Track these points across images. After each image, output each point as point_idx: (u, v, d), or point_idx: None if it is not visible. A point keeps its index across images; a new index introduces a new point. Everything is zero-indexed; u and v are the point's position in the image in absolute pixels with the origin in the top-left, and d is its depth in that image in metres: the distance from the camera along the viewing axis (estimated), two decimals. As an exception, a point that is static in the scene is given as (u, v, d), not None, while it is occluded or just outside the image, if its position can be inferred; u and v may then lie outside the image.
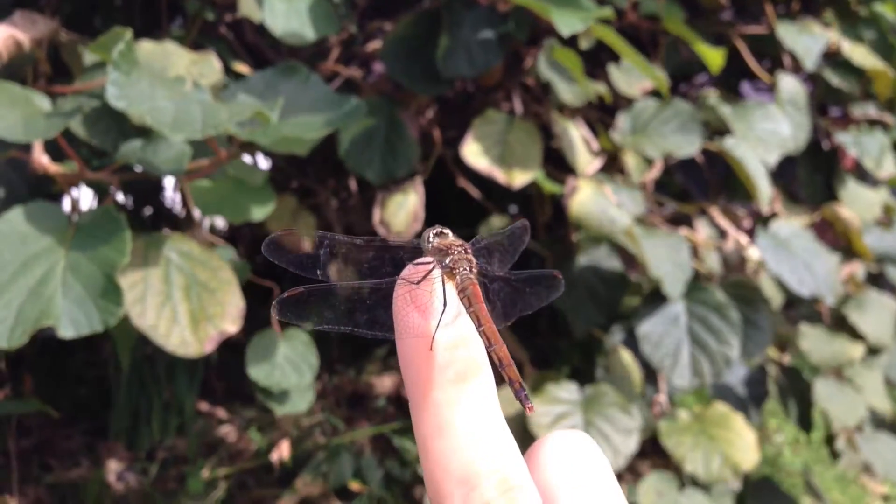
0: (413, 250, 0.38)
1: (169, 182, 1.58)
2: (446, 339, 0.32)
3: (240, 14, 1.11)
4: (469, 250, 0.37)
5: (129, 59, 0.87)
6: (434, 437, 0.30)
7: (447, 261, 0.36)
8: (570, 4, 1.11)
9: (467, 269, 0.36)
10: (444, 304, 0.33)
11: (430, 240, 0.37)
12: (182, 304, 0.97)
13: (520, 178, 1.24)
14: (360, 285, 0.36)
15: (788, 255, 1.35)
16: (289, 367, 1.20)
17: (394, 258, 0.39)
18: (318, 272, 0.38)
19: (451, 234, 0.38)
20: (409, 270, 0.34)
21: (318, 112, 1.05)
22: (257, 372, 1.17)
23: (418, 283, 0.34)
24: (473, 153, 1.25)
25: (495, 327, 0.33)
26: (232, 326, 1.00)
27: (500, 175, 1.24)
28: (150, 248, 0.98)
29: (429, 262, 0.35)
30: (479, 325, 0.33)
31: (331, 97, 1.08)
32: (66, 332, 0.84)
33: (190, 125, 0.84)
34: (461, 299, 0.34)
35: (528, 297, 0.41)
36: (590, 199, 1.23)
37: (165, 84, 0.91)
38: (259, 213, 1.09)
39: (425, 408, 0.31)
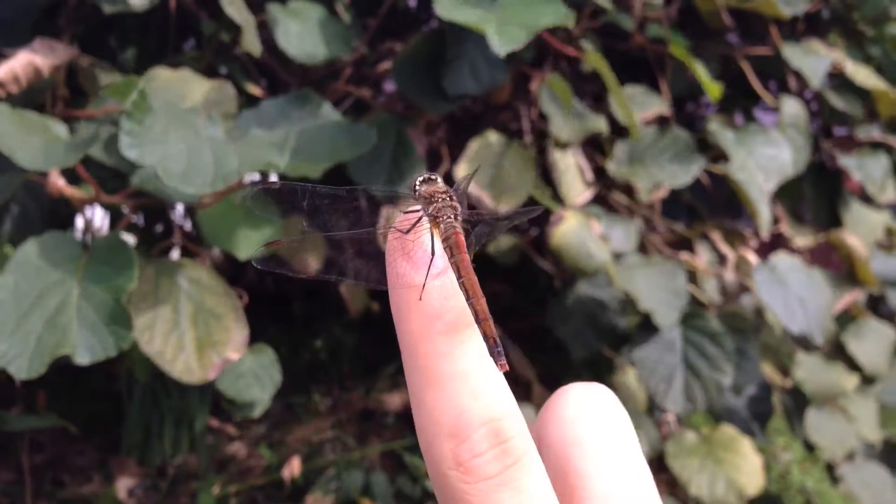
0: (399, 200, 0.38)
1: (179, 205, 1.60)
2: (437, 288, 0.31)
3: (240, 49, 1.13)
4: (454, 196, 0.36)
5: (142, 108, 0.89)
6: (425, 389, 0.30)
7: (430, 209, 0.35)
8: (519, 14, 1.06)
9: (451, 216, 0.35)
10: (433, 254, 0.32)
11: (418, 187, 0.36)
12: (189, 331, 1.00)
13: (507, 206, 1.24)
14: (339, 236, 0.36)
15: (784, 290, 1.35)
16: (253, 379, 1.21)
17: (378, 208, 0.38)
18: (304, 223, 0.37)
19: (439, 179, 0.37)
20: (399, 219, 0.34)
21: (329, 140, 1.06)
22: (223, 380, 1.18)
23: (407, 232, 0.33)
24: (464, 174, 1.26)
25: (476, 279, 0.32)
26: (235, 354, 1.01)
27: (487, 200, 1.24)
28: (162, 275, 1.01)
29: (418, 211, 0.35)
30: (459, 276, 0.32)
31: (341, 125, 1.09)
32: (83, 359, 0.86)
33: (200, 177, 0.86)
34: (444, 248, 0.33)
35: (502, 229, 0.40)
36: (572, 231, 1.24)
37: (179, 120, 0.93)
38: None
39: (416, 359, 0.30)
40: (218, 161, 0.88)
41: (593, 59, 1.19)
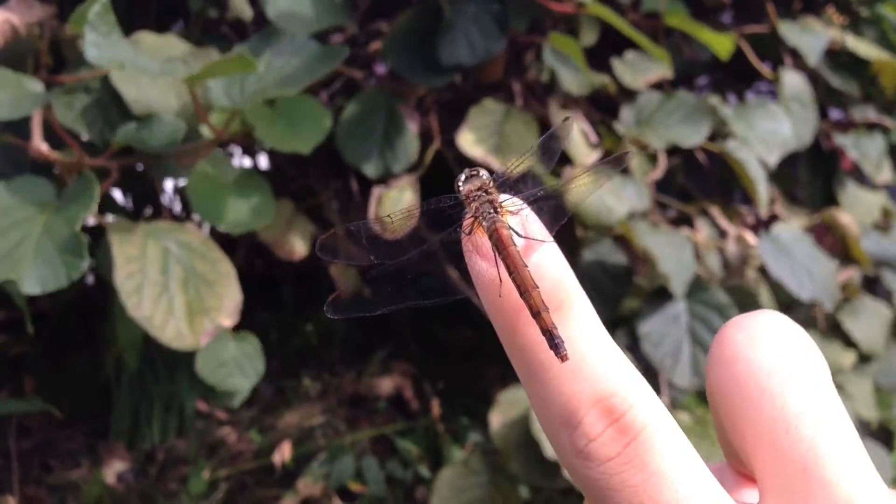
0: (443, 208, 0.37)
1: (168, 184, 1.58)
2: (513, 282, 0.30)
3: (230, 14, 1.10)
4: (491, 189, 0.35)
5: (106, 20, 0.85)
6: (530, 383, 0.29)
7: (472, 210, 0.34)
8: None
9: (490, 211, 0.34)
10: (495, 252, 0.31)
11: (461, 187, 0.36)
12: (179, 295, 0.97)
13: (516, 169, 1.23)
14: (392, 264, 0.36)
15: (789, 259, 1.34)
16: (236, 367, 1.16)
17: (432, 220, 0.37)
18: (372, 258, 0.37)
19: (481, 172, 0.36)
20: (465, 223, 0.33)
21: (302, 58, 1.03)
22: (205, 367, 1.13)
23: (469, 233, 0.32)
24: (469, 142, 1.24)
25: (526, 272, 0.30)
26: (228, 320, 0.99)
27: (495, 164, 1.23)
28: (150, 237, 0.98)
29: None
30: (510, 271, 0.31)
31: (316, 49, 1.06)
32: (32, 288, 0.83)
33: (174, 72, 0.84)
34: (492, 246, 0.32)
35: (593, 188, 0.39)
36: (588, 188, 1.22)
37: (147, 51, 0.91)
38: (258, 222, 1.08)
39: (514, 355, 0.29)
40: (190, 64, 0.86)
41: (595, 9, 1.16)
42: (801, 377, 0.26)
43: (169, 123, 0.94)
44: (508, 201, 0.34)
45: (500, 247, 0.32)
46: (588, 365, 0.28)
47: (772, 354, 0.27)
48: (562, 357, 0.28)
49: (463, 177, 0.36)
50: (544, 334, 0.29)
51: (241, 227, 1.06)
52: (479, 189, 0.35)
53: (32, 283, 0.83)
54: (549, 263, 0.30)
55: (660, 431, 0.27)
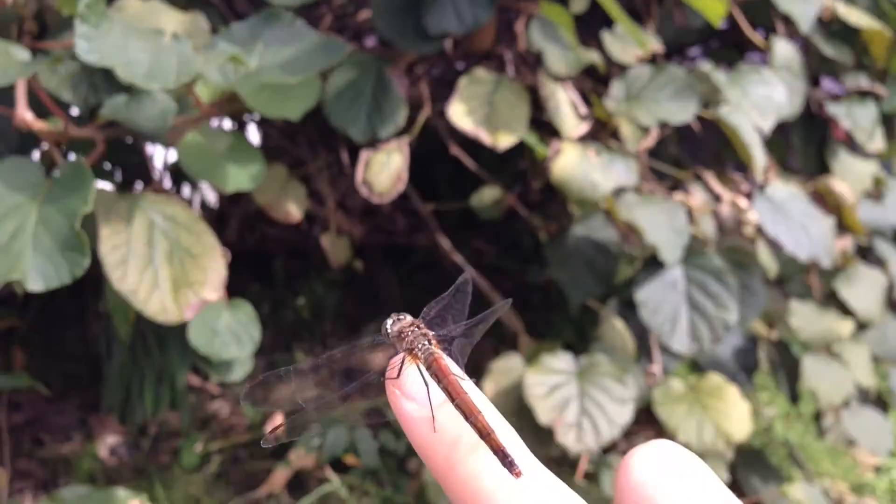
0: (373, 346, 0.39)
1: (159, 158, 1.57)
2: (446, 415, 0.32)
3: None
4: (422, 325, 0.37)
5: (96, 10, 0.84)
6: None
7: (404, 345, 0.36)
8: None
9: (426, 343, 0.36)
10: (427, 386, 0.33)
11: (389, 330, 0.37)
12: (164, 268, 0.96)
13: (505, 140, 1.22)
14: (326, 404, 0.38)
15: (785, 217, 1.33)
16: (230, 337, 1.13)
17: (356, 362, 0.39)
18: (300, 401, 0.39)
19: (407, 316, 0.38)
20: (389, 368, 0.35)
21: (302, 51, 1.02)
22: (198, 338, 1.09)
23: (398, 376, 0.34)
24: (459, 113, 1.23)
25: (469, 398, 0.32)
26: (213, 294, 0.98)
27: (485, 136, 1.22)
28: (135, 209, 0.96)
29: (397, 353, 0.36)
30: (452, 399, 0.32)
31: (317, 41, 1.05)
32: (35, 285, 0.82)
33: (164, 75, 0.83)
34: (431, 376, 0.34)
35: (477, 336, 0.41)
36: (572, 162, 1.21)
37: (141, 35, 0.89)
38: (249, 182, 1.07)
39: (453, 489, 0.30)
40: (181, 62, 0.85)
41: None
42: (701, 489, 0.28)
43: (160, 101, 0.92)
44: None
45: (441, 375, 0.33)
46: (531, 487, 0.29)
47: (672, 472, 0.28)
48: (516, 473, 0.29)
49: (390, 321, 0.38)
50: (496, 454, 0.30)
51: (235, 185, 1.05)
52: (411, 325, 0.37)
53: (36, 280, 0.82)
54: (479, 392, 0.33)
55: None
